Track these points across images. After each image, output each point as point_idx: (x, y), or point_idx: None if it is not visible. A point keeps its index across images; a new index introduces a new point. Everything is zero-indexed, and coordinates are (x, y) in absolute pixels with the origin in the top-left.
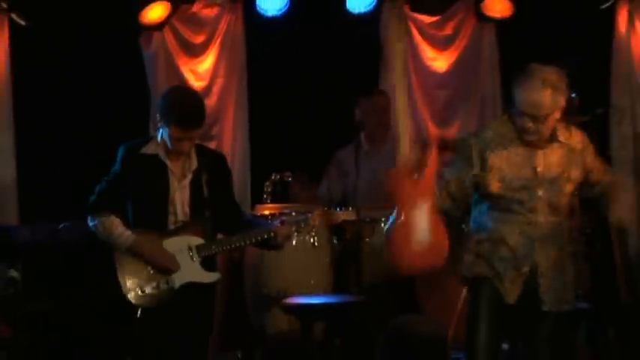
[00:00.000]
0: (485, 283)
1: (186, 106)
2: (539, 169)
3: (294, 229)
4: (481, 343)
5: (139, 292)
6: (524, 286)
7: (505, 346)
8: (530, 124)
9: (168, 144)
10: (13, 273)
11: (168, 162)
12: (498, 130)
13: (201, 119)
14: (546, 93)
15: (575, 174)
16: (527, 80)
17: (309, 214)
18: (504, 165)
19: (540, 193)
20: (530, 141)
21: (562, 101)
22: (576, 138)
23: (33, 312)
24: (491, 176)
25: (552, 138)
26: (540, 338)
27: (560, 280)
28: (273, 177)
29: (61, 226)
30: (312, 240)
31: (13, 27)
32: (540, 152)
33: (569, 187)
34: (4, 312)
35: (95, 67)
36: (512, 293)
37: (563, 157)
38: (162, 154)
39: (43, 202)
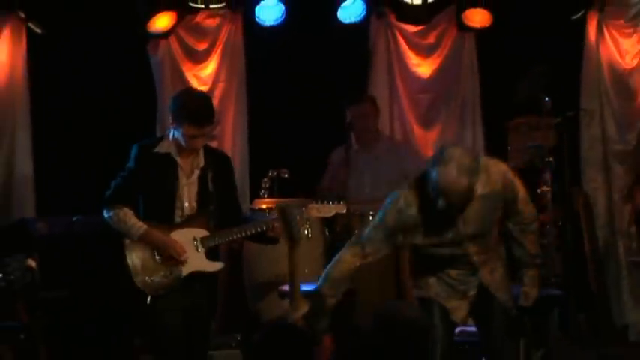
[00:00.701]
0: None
1: (199, 105)
2: (460, 229)
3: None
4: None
5: (149, 280)
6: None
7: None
8: (443, 204)
9: (183, 143)
10: (31, 262)
11: (178, 160)
12: (417, 203)
13: (213, 116)
14: (462, 181)
15: (499, 213)
16: (444, 165)
17: (304, 208)
18: (426, 229)
19: (467, 245)
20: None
21: (476, 185)
22: (494, 179)
23: (49, 298)
24: (414, 236)
25: (468, 196)
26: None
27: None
28: (270, 174)
29: (75, 219)
30: (306, 232)
31: (31, 35)
32: (459, 215)
33: (494, 229)
34: (23, 298)
35: (106, 72)
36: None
37: (482, 208)
38: (174, 152)
39: (59, 197)
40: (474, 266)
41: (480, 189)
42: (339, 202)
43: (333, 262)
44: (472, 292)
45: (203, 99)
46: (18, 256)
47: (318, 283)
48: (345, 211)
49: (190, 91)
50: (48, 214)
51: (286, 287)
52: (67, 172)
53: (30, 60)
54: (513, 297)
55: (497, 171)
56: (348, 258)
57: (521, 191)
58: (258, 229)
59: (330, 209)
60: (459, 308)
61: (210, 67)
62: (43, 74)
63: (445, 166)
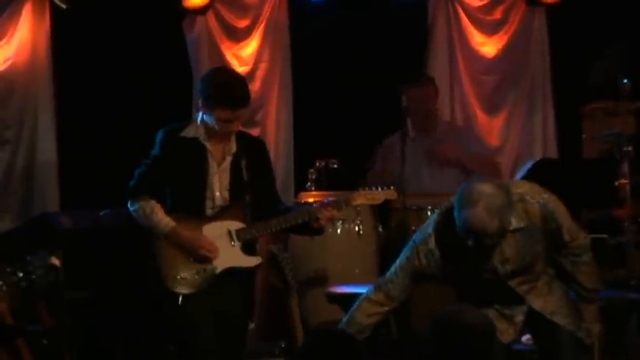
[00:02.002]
0: None
1: (233, 86)
2: (498, 269)
3: (335, 210)
4: None
5: (180, 278)
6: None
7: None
8: (473, 244)
9: (215, 126)
10: (54, 260)
11: (208, 145)
12: (445, 243)
13: (249, 97)
14: (493, 223)
15: (542, 246)
16: (471, 206)
17: (350, 195)
18: (458, 271)
19: (511, 283)
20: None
21: (511, 219)
22: (532, 209)
23: (74, 300)
24: (446, 277)
25: (502, 233)
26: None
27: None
28: (317, 164)
29: (103, 212)
30: (357, 228)
31: (54, 10)
32: (494, 253)
33: (539, 264)
34: (45, 300)
35: (137, 51)
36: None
37: (520, 243)
38: (202, 137)
39: (85, 188)
40: (519, 296)
41: (515, 222)
42: (388, 188)
43: (356, 305)
44: (520, 319)
45: (236, 78)
46: (40, 253)
47: (342, 322)
48: (395, 196)
49: (222, 70)
50: (73, 207)
51: (336, 288)
52: (94, 161)
53: (53, 37)
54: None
55: (536, 200)
56: (371, 307)
57: (567, 220)
58: (300, 220)
59: (379, 195)
60: (506, 332)
61: (251, 46)
62: (67, 53)
63: (473, 208)
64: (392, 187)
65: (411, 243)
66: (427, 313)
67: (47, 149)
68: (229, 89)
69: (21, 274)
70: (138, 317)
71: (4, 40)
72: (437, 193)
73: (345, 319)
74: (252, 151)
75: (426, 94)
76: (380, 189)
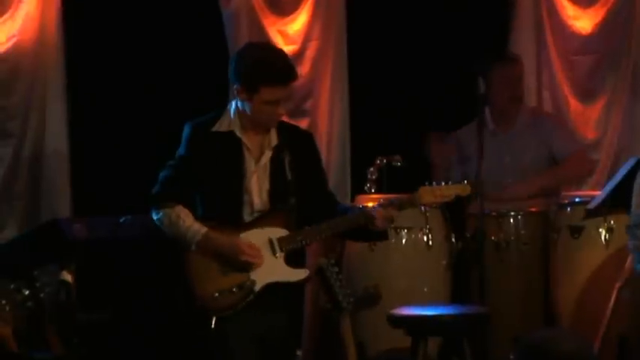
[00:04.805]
0: None
1: (279, 57)
2: None
3: (395, 209)
4: None
5: (213, 296)
6: None
7: None
8: None
9: (256, 115)
10: (66, 276)
11: (244, 138)
12: None
13: (295, 69)
14: None
15: None
16: None
17: (415, 192)
18: None
19: None
20: None
21: None
22: None
23: (89, 322)
24: None
25: None
26: None
27: None
28: (378, 161)
29: (123, 219)
30: (425, 238)
31: None
32: None
33: None
34: (55, 322)
35: (164, 28)
36: None
37: None
38: (237, 129)
39: (101, 191)
40: None
41: None
42: (460, 182)
43: None
44: None
45: (276, 50)
46: (49, 267)
47: None
48: (469, 191)
49: (259, 44)
50: (87, 213)
51: (400, 310)
52: (113, 158)
53: (65, 11)
54: None
55: None
56: None
57: None
58: (353, 224)
59: (449, 190)
60: None
61: (299, 22)
62: (81, 30)
63: None
64: (465, 182)
65: None
66: (508, 338)
67: (57, 144)
68: (276, 61)
69: (27, 292)
70: (163, 343)
71: (8, 14)
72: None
73: None
74: (298, 144)
75: (512, 74)
76: (450, 183)
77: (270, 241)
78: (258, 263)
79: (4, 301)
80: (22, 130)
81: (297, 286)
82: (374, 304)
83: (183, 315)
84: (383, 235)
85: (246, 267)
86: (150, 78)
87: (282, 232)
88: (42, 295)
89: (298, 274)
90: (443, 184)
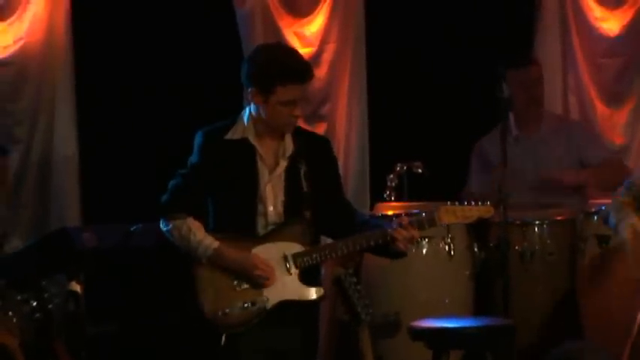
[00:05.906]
0: None
1: (294, 56)
2: None
3: (416, 230)
4: None
5: (223, 313)
6: None
7: None
8: None
9: (271, 119)
10: (75, 286)
11: (258, 146)
12: None
13: (311, 66)
14: None
15: None
16: None
17: (435, 212)
18: None
19: None
20: None
21: None
22: None
23: (98, 335)
24: None
25: None
26: None
27: None
28: (398, 168)
29: (133, 228)
30: (447, 248)
31: None
32: None
33: None
34: (64, 334)
35: (176, 30)
36: None
37: None
38: (251, 136)
39: (111, 198)
40: None
41: None
42: (483, 203)
43: None
44: None
45: (290, 48)
46: (57, 277)
47: None
48: (492, 214)
49: (272, 45)
50: (97, 221)
51: (420, 322)
52: (123, 164)
53: (74, 13)
54: None
55: None
56: None
57: None
58: (372, 243)
59: (471, 212)
60: None
61: (316, 23)
62: (91, 32)
63: None
64: (488, 203)
65: None
66: (533, 351)
67: (66, 150)
68: (290, 58)
69: (35, 304)
70: (174, 356)
71: (15, 16)
72: (545, 204)
73: None
74: (314, 152)
75: (528, 77)
76: (473, 204)
77: (285, 257)
78: (272, 280)
79: (11, 313)
80: (29, 134)
81: (312, 305)
82: (393, 333)
83: (195, 328)
84: (401, 255)
85: (259, 283)
86: (161, 80)
87: (297, 247)
88: (50, 306)
89: (312, 293)
90: (465, 203)
